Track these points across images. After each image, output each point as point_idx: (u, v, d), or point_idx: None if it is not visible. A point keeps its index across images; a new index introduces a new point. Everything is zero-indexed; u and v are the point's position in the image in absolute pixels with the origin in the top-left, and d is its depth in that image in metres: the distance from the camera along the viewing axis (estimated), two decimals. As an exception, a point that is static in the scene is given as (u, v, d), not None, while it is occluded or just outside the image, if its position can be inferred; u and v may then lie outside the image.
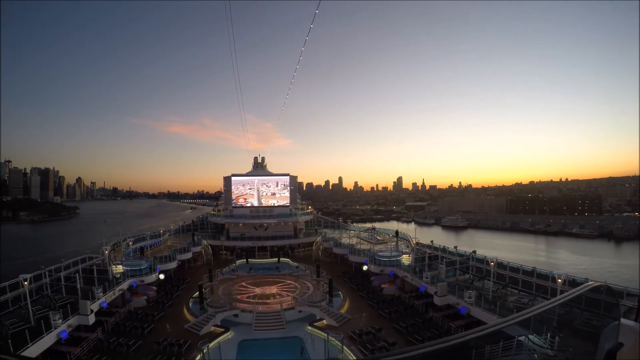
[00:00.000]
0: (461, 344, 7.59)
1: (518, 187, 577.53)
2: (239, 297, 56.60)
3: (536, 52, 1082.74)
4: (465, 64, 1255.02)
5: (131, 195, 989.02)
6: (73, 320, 41.61)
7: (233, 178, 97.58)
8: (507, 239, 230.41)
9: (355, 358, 37.57)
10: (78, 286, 49.11)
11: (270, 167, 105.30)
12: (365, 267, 65.11)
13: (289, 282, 64.44)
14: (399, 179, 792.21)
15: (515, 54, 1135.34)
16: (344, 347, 38.25)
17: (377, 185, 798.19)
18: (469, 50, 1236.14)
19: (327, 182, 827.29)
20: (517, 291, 48.54)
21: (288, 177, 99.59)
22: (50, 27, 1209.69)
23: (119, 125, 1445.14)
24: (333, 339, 39.02)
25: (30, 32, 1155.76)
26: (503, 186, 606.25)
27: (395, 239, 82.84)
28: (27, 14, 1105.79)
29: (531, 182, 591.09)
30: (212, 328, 46.40)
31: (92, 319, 43.06)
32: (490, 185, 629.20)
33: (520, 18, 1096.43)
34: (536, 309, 8.60)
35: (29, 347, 34.57)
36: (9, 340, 34.78)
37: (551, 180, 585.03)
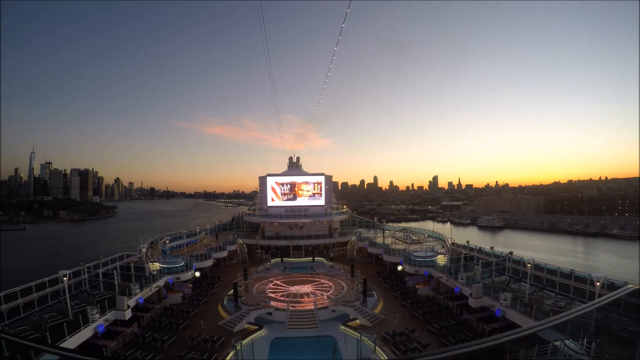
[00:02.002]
0: (495, 347, 7.67)
1: (556, 186, 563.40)
2: (273, 295, 57.04)
3: (572, 50, 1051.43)
4: (501, 63, 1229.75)
5: (168, 195, 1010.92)
6: (110, 315, 42.91)
7: (268, 177, 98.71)
8: (544, 240, 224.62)
9: (387, 358, 37.47)
10: (116, 282, 50.88)
11: (306, 167, 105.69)
12: (400, 267, 64.62)
13: (323, 281, 64.54)
14: (435, 178, 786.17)
15: (550, 52, 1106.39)
16: (377, 347, 38.07)
17: (412, 184, 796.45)
18: (504, 49, 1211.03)
19: (362, 182, 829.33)
20: (554, 294, 47.52)
21: (323, 176, 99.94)
22: (92, 36, 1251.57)
23: (158, 127, 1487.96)
24: (366, 339, 38.92)
25: (73, 39, 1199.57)
26: (541, 185, 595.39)
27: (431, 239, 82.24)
28: (79, 20, 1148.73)
29: (570, 181, 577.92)
30: (246, 325, 46.83)
31: (128, 314, 44.31)
32: (527, 185, 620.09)
33: (550, 17, 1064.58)
34: (572, 313, 8.58)
35: (66, 339, 35.71)
36: (47, 333, 36.20)
37: (590, 179, 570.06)
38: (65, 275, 43.05)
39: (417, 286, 60.26)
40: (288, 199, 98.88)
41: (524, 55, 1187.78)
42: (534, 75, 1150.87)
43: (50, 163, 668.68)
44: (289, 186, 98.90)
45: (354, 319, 48.18)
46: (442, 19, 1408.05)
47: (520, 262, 55.16)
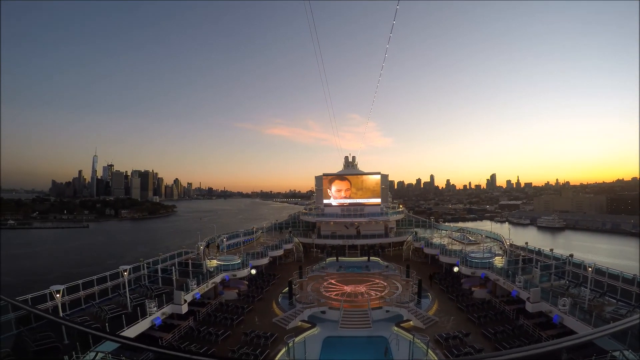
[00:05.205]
0: (549, 353, 7.79)
1: (619, 184, 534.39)
2: (327, 294, 57.35)
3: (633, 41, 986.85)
4: (560, 56, 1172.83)
5: (225, 194, 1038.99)
6: (167, 309, 44.76)
7: (324, 177, 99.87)
8: (606, 242, 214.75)
9: None
10: (174, 278, 52.96)
11: (364, 166, 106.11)
12: (456, 269, 63.18)
13: (378, 281, 64.15)
14: (493, 177, 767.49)
15: (615, 44, 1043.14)
16: (429, 349, 37.77)
17: (469, 183, 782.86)
18: (562, 44, 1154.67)
19: (418, 180, 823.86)
20: (615, 301, 45.32)
21: (379, 175, 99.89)
22: (154, 41, 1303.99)
23: (220, 129, 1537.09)
24: (418, 341, 38.70)
25: (135, 44, 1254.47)
26: (603, 183, 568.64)
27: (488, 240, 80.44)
28: (140, 24, 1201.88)
29: (634, 179, 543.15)
30: (299, 323, 47.36)
31: (185, 309, 46.00)
32: (589, 183, 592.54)
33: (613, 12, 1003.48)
34: (631, 321, 8.50)
35: (124, 330, 37.46)
36: (107, 324, 38.28)
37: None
38: (125, 270, 45.01)
39: (473, 288, 59.14)
40: (344, 198, 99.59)
41: (586, 47, 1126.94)
42: (596, 68, 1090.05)
43: (112, 165, 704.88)
44: (344, 185, 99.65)
45: (408, 320, 47.82)
46: (486, 14, 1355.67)
47: (580, 265, 52.79)
